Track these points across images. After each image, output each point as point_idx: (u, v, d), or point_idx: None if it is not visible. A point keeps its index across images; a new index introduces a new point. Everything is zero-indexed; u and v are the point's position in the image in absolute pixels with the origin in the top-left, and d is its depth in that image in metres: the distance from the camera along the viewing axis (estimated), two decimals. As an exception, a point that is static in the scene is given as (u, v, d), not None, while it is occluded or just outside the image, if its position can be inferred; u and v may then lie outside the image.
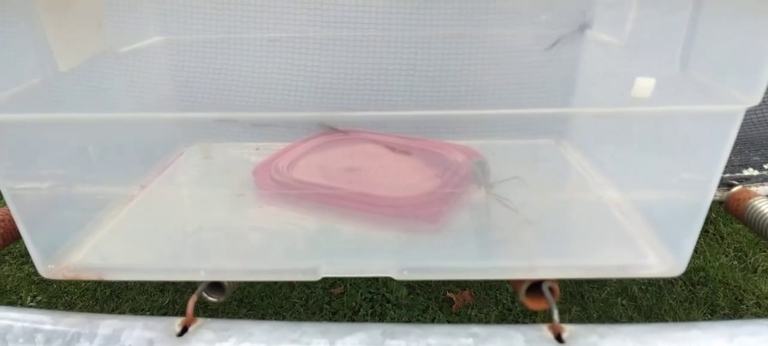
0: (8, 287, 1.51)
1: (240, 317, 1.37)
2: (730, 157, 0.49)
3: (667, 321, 1.34)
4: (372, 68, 0.77)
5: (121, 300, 1.45)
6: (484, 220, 0.67)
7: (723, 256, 1.60)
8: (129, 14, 0.76)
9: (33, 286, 1.51)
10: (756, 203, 0.66)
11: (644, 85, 0.58)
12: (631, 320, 1.37)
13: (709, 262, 1.55)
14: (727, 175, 0.78)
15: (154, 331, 0.48)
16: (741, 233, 1.68)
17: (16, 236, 0.63)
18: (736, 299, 1.44)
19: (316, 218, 0.69)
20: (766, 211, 0.65)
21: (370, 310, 1.40)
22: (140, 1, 0.77)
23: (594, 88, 0.75)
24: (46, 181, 0.61)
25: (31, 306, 1.43)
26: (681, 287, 1.47)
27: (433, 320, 1.36)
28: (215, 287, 0.56)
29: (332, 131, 0.81)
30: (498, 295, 1.45)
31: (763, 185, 0.77)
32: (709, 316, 1.38)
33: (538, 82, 0.72)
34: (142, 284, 1.49)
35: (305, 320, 1.33)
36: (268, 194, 0.74)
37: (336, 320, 1.37)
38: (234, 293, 1.28)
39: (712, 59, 0.54)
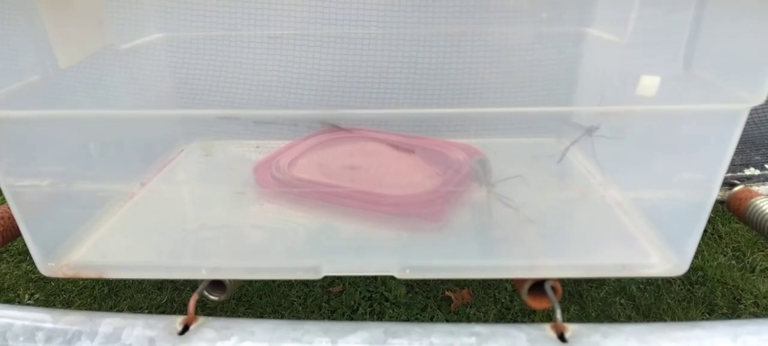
0: (6, 285, 1.50)
1: (238, 316, 1.37)
2: (732, 156, 0.49)
3: (665, 320, 1.35)
4: (373, 66, 0.77)
5: (119, 298, 1.45)
6: (485, 219, 0.67)
7: (721, 255, 1.60)
8: (129, 11, 0.75)
9: (31, 284, 1.50)
10: (757, 202, 0.66)
11: (649, 83, 0.58)
12: (629, 319, 1.37)
13: (708, 261, 1.56)
14: (729, 174, 0.78)
15: (155, 329, 0.48)
16: (739, 232, 1.68)
17: (15, 234, 0.63)
18: (734, 298, 1.44)
19: (317, 217, 0.69)
20: (767, 210, 0.65)
21: (369, 309, 1.40)
22: (140, -2, 0.77)
23: (596, 87, 0.75)
24: (46, 178, 0.60)
25: (28, 304, 1.43)
26: (679, 286, 1.48)
27: (431, 319, 1.36)
28: (216, 285, 0.56)
29: (335, 129, 0.80)
30: (496, 294, 1.45)
31: (764, 184, 0.77)
32: (708, 315, 1.38)
33: (539, 81, 0.72)
34: (141, 282, 1.49)
35: (304, 319, 1.33)
36: (268, 192, 0.74)
37: (335, 319, 1.37)
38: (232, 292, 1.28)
39: (716, 58, 0.54)
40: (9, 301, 1.44)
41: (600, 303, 1.41)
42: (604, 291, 1.45)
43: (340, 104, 0.78)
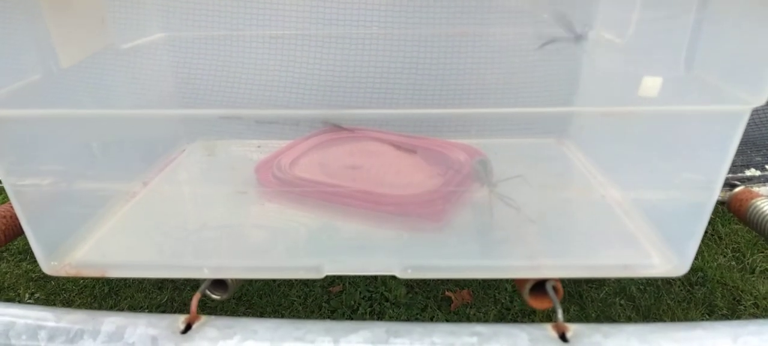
0: (6, 285, 1.50)
1: (238, 315, 1.37)
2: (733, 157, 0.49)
3: (665, 321, 1.35)
4: (375, 66, 0.77)
5: (119, 298, 1.45)
6: (486, 219, 0.67)
7: (721, 256, 1.60)
8: (131, 10, 0.76)
9: (31, 283, 1.50)
10: (758, 203, 0.66)
11: (651, 84, 0.58)
12: (629, 319, 1.37)
13: (708, 262, 1.56)
14: (730, 175, 0.78)
15: (157, 328, 0.48)
16: (739, 233, 1.68)
17: (18, 233, 0.63)
18: (734, 299, 1.44)
19: (319, 216, 0.69)
20: None
21: (369, 309, 1.40)
22: (142, -3, 0.77)
23: (597, 88, 0.75)
24: (48, 177, 0.60)
25: (29, 303, 1.43)
26: (679, 287, 1.48)
27: (431, 319, 1.36)
28: (218, 284, 0.56)
29: (337, 129, 0.81)
30: (496, 294, 1.45)
31: (765, 185, 0.77)
32: (708, 316, 1.39)
33: (540, 81, 0.73)
34: (141, 281, 1.49)
35: (304, 318, 1.33)
36: (270, 192, 0.74)
37: (335, 319, 1.36)
38: (234, 291, 1.28)
39: (717, 59, 0.54)
40: (9, 300, 1.44)
41: (600, 304, 1.41)
42: (604, 292, 1.45)
43: (342, 104, 0.78)
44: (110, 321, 0.48)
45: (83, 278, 1.49)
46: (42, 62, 0.59)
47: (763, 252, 1.60)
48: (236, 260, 0.61)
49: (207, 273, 0.55)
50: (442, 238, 0.64)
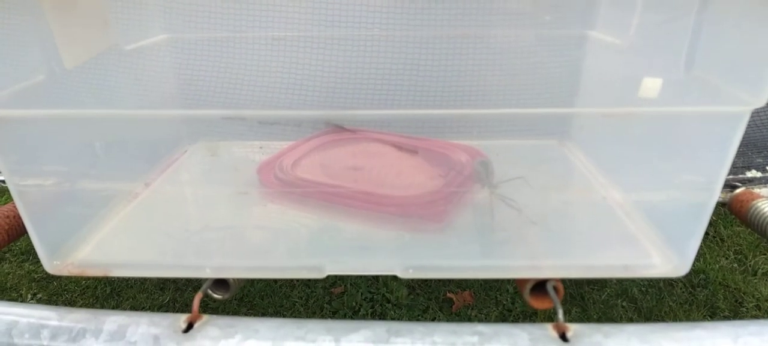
0: (8, 285, 1.50)
1: (240, 316, 1.37)
2: (733, 158, 0.49)
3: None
4: (376, 68, 0.77)
5: (121, 298, 1.45)
6: (488, 219, 0.67)
7: (723, 258, 1.60)
8: (134, 12, 0.76)
9: (33, 283, 1.51)
10: (759, 204, 0.66)
11: (651, 85, 0.58)
12: (631, 321, 1.36)
13: (709, 264, 1.56)
14: (730, 176, 0.78)
15: (159, 327, 0.48)
16: (741, 235, 1.68)
17: (21, 232, 0.63)
18: (735, 301, 1.44)
19: (320, 217, 0.69)
20: (768, 212, 0.65)
21: (370, 310, 1.40)
22: (146, -1, 0.77)
23: (598, 89, 0.75)
24: (51, 177, 0.61)
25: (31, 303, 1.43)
26: (681, 289, 1.48)
27: (433, 320, 1.36)
28: (220, 284, 0.56)
29: (340, 130, 0.81)
30: (498, 296, 1.45)
31: (766, 186, 0.77)
32: (709, 318, 1.38)
33: (541, 83, 0.73)
34: (143, 282, 1.49)
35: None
36: (272, 193, 0.74)
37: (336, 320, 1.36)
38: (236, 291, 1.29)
39: (717, 60, 0.54)
40: (12, 301, 1.44)
41: (601, 305, 1.41)
42: (606, 293, 1.45)
43: (344, 105, 0.78)
44: (112, 320, 0.48)
45: (85, 279, 1.50)
46: (46, 63, 0.60)
47: (765, 254, 1.60)
48: (238, 260, 0.62)
49: (209, 273, 0.55)
50: (443, 238, 0.64)
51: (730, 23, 0.52)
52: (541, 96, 0.73)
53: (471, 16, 0.75)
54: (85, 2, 0.65)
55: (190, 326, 0.48)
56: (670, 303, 1.42)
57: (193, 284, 1.47)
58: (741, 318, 1.39)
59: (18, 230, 0.63)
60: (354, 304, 1.42)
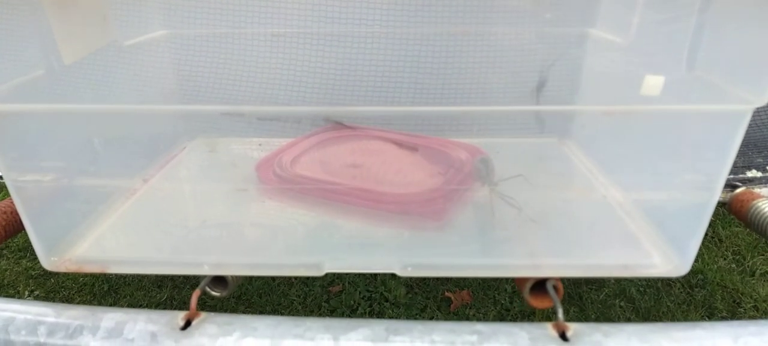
0: (6, 282, 1.50)
1: (238, 314, 1.37)
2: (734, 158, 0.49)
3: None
4: (376, 65, 0.77)
5: (119, 296, 1.45)
6: (488, 218, 0.67)
7: (721, 259, 1.60)
8: (133, 7, 0.76)
9: (31, 280, 1.50)
10: (759, 204, 0.66)
11: (654, 83, 0.58)
12: (629, 321, 1.36)
13: (708, 265, 1.56)
14: (731, 176, 0.78)
15: (157, 324, 0.48)
16: (739, 236, 1.68)
17: (18, 228, 0.63)
18: (733, 302, 1.44)
19: (319, 214, 0.69)
20: (769, 213, 0.65)
21: (368, 308, 1.40)
22: (145, -6, 0.77)
23: (598, 88, 0.75)
24: (49, 173, 0.60)
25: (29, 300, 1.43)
26: (679, 289, 1.48)
27: (431, 319, 1.36)
28: (218, 281, 0.56)
29: (339, 126, 0.81)
30: (496, 295, 1.45)
31: (766, 186, 0.77)
32: (707, 319, 1.38)
33: (542, 81, 0.73)
34: (140, 279, 1.49)
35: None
36: (270, 189, 0.74)
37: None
38: (234, 288, 1.29)
39: (719, 59, 0.54)
40: (9, 297, 1.44)
41: (600, 305, 1.41)
42: (604, 293, 1.45)
43: (343, 102, 0.78)
44: (110, 317, 0.48)
45: (83, 276, 1.49)
46: (44, 58, 0.60)
47: (763, 255, 1.60)
48: (236, 257, 0.61)
49: (207, 270, 0.55)
50: (442, 237, 0.64)
51: (732, 22, 0.52)
52: (542, 94, 0.73)
53: (472, 13, 0.75)
54: (84, -3, 0.65)
55: (188, 324, 0.48)
56: (668, 303, 1.42)
57: (191, 282, 1.46)
58: (739, 319, 1.38)
59: (15, 226, 0.63)
60: (352, 302, 1.42)
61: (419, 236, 0.65)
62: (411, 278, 1.38)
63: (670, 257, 0.56)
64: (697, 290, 1.47)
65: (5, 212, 0.63)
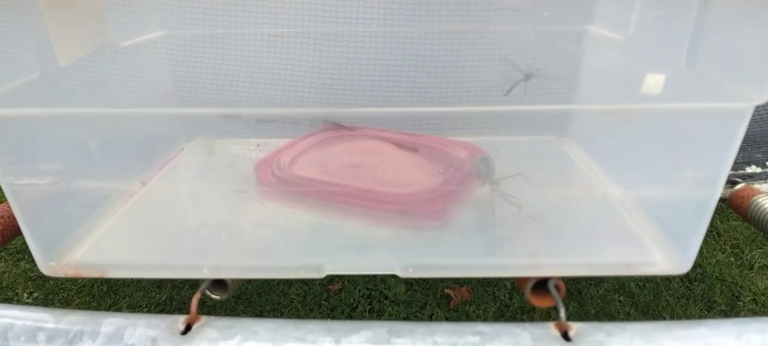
0: (4, 284, 1.50)
1: (237, 314, 1.37)
2: (733, 155, 0.49)
3: (664, 317, 1.35)
4: (374, 64, 0.76)
5: (118, 296, 1.44)
6: (488, 217, 0.66)
7: (720, 253, 1.60)
8: (130, 8, 0.75)
9: (29, 282, 1.50)
10: (760, 200, 0.66)
11: (654, 81, 0.57)
12: (628, 316, 1.37)
13: (706, 259, 1.56)
14: (730, 172, 0.78)
15: (157, 329, 0.47)
16: (738, 230, 1.68)
17: (15, 233, 0.62)
18: (732, 295, 1.44)
19: (319, 215, 0.69)
20: (769, 208, 0.65)
21: (368, 306, 1.40)
22: (141, -5, 0.77)
23: (598, 85, 0.75)
24: (46, 176, 0.60)
25: (27, 303, 1.42)
26: (678, 283, 1.48)
27: (431, 316, 1.36)
28: (218, 284, 0.56)
29: (338, 127, 0.80)
30: (495, 291, 1.45)
31: (766, 182, 0.77)
32: (706, 313, 1.39)
33: (541, 79, 0.72)
34: (140, 280, 1.49)
35: (303, 316, 1.33)
36: (269, 191, 0.73)
37: (334, 317, 1.37)
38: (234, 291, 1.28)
39: (719, 56, 0.53)
40: (8, 300, 1.44)
41: (599, 301, 1.41)
42: (603, 288, 1.45)
43: (342, 102, 0.78)
44: (109, 322, 0.48)
45: (82, 278, 1.49)
46: (40, 60, 0.59)
47: (761, 248, 1.60)
48: (236, 259, 0.61)
49: (207, 273, 0.55)
50: (443, 236, 0.64)
51: (733, 18, 0.52)
52: (541, 92, 0.73)
53: (470, 11, 0.75)
54: (79, -1, 0.64)
55: (188, 328, 0.48)
56: (667, 298, 1.42)
57: (190, 282, 1.46)
58: (737, 312, 1.39)
59: (12, 231, 0.62)
60: (352, 301, 1.42)
61: (419, 236, 0.65)
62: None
63: (671, 255, 0.56)
64: (696, 284, 1.47)
65: (2, 217, 0.62)
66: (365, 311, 1.39)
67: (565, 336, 0.46)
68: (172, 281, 1.48)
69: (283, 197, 0.72)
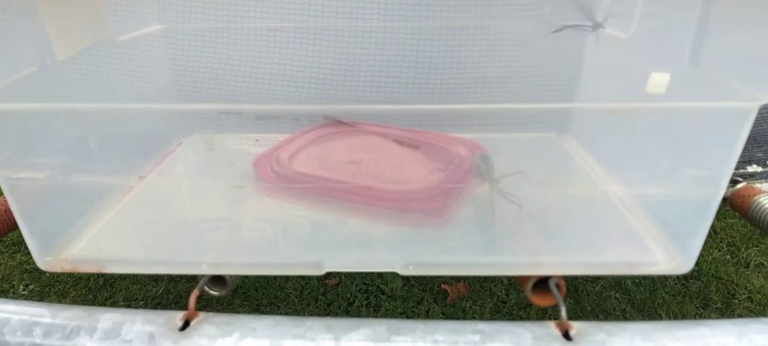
0: (0, 276, 1.49)
1: (235, 308, 1.37)
2: (735, 154, 0.49)
3: (660, 314, 1.35)
4: (374, 60, 0.76)
5: (114, 290, 1.44)
6: (488, 215, 0.66)
7: (716, 250, 1.60)
8: (127, 2, 0.74)
9: (25, 275, 1.49)
10: (761, 199, 0.66)
11: (659, 80, 0.57)
12: (624, 313, 1.37)
13: (702, 256, 1.56)
14: (731, 171, 0.78)
15: (155, 325, 0.47)
16: (734, 227, 1.69)
17: (12, 227, 0.62)
18: (728, 293, 1.45)
19: (318, 211, 0.68)
20: (770, 208, 0.65)
21: (365, 301, 1.40)
22: (139, -11, 0.76)
23: (599, 83, 0.75)
24: (43, 171, 0.59)
25: (23, 295, 1.42)
26: (674, 281, 1.48)
27: (427, 312, 1.36)
28: (216, 280, 0.55)
29: (338, 123, 0.80)
30: (492, 287, 1.45)
31: (767, 181, 0.77)
32: (702, 310, 1.39)
33: (542, 75, 0.72)
34: (137, 274, 1.48)
35: (301, 311, 1.32)
36: (268, 187, 0.73)
37: (331, 311, 1.36)
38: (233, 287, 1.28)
39: (724, 55, 0.53)
40: (3, 292, 1.43)
41: (595, 297, 1.42)
42: (600, 285, 1.45)
43: (341, 98, 0.77)
44: (107, 318, 0.47)
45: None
46: (37, 55, 0.58)
47: (757, 246, 1.60)
48: (235, 256, 0.61)
49: (205, 269, 0.55)
50: (443, 234, 0.64)
51: (736, 17, 0.51)
52: (542, 89, 0.72)
53: (471, 6, 0.74)
54: (77, -8, 0.64)
55: (186, 324, 0.47)
56: (664, 295, 1.43)
57: (187, 276, 1.46)
58: (733, 310, 1.39)
59: (9, 225, 0.62)
60: (349, 295, 1.42)
61: (420, 234, 0.64)
62: (408, 272, 1.38)
63: (672, 255, 0.56)
64: (692, 281, 1.48)
65: (-1, 211, 0.62)
66: (362, 305, 1.38)
67: (566, 335, 0.46)
68: (169, 274, 1.48)
69: (283, 194, 0.72)
